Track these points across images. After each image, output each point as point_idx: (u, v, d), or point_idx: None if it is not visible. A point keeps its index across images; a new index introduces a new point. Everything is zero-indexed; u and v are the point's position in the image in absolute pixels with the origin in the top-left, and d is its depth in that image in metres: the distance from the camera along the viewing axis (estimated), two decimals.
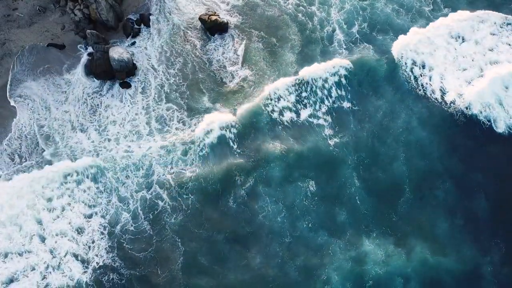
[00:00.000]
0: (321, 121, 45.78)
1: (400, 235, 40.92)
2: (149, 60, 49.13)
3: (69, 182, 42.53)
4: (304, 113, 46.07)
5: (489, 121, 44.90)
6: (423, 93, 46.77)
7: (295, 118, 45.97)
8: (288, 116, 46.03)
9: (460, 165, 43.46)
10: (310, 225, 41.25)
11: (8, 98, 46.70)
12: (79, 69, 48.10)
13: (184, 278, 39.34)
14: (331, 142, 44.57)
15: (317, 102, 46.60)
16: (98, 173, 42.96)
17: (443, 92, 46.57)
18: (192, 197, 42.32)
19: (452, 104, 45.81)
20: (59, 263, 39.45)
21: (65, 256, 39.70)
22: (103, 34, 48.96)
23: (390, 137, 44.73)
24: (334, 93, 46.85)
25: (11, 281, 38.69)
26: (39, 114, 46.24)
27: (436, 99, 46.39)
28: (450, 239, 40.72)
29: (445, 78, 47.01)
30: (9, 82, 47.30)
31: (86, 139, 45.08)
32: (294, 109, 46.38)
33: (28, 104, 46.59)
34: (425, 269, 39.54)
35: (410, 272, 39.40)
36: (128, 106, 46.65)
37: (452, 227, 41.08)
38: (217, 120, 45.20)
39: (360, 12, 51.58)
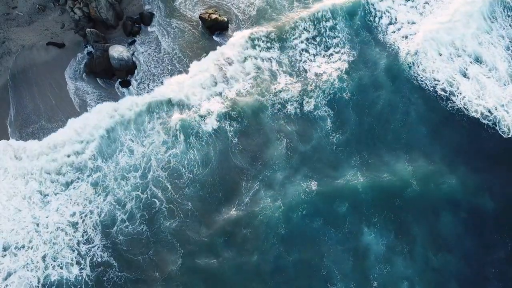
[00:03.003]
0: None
1: (403, 231, 40.34)
2: (148, 60, 48.68)
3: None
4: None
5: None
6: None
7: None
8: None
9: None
10: (311, 224, 40.86)
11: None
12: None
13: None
14: None
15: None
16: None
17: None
18: (188, 203, 42.01)
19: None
20: (56, 257, 39.63)
21: (62, 250, 39.87)
22: (102, 33, 48.72)
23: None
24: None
25: (10, 274, 39.01)
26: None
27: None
28: (454, 238, 40.14)
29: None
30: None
31: None
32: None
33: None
34: (428, 269, 39.05)
35: (413, 272, 38.81)
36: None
37: (457, 225, 40.54)
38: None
39: None
